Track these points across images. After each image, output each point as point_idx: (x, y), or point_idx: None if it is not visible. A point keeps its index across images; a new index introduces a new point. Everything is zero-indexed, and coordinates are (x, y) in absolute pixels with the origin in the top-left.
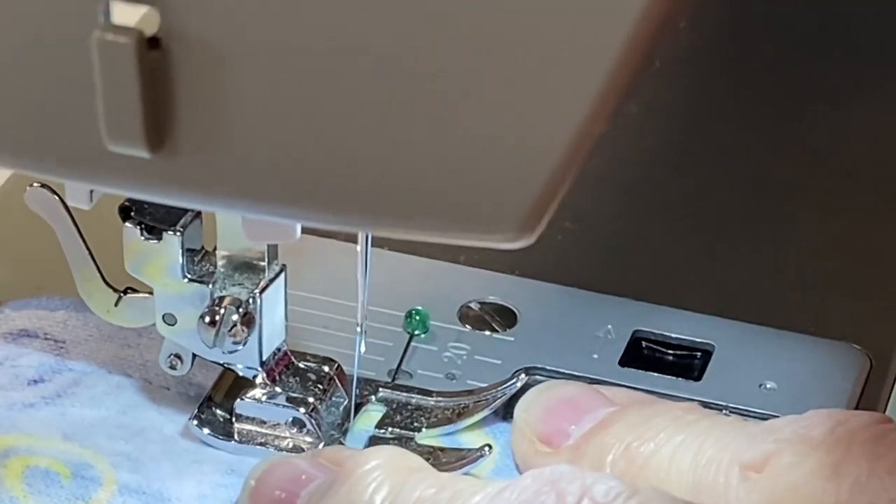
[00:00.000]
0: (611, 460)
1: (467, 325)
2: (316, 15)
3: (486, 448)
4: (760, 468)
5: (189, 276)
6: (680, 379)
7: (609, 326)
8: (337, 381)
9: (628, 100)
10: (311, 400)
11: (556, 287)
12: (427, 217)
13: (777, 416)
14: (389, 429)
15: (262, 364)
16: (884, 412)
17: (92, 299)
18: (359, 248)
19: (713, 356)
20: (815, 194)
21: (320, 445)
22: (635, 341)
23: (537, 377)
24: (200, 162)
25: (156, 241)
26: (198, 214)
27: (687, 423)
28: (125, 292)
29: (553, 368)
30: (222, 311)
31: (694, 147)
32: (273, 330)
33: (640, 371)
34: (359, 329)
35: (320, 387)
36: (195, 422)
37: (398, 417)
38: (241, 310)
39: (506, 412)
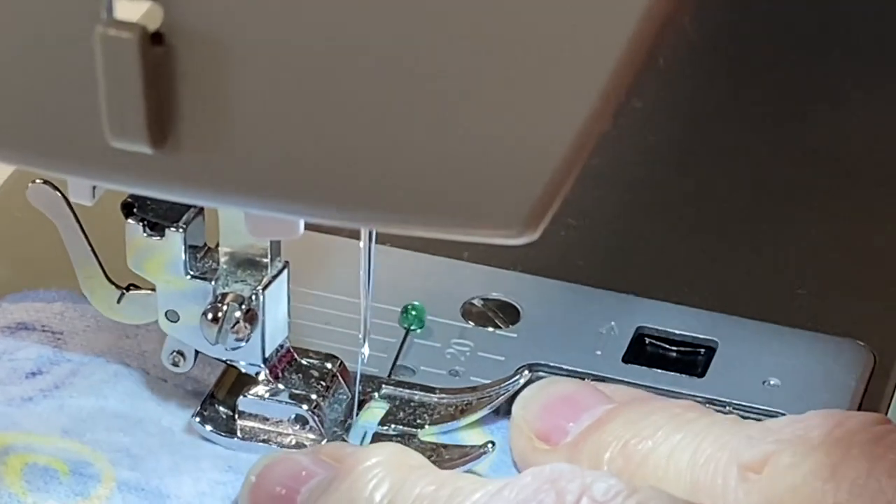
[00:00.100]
0: (608, 458)
1: (470, 322)
2: (319, 12)
3: (490, 445)
4: (759, 469)
5: (192, 272)
6: (683, 375)
7: (612, 323)
8: (340, 377)
9: (632, 97)
10: (313, 397)
11: (560, 283)
12: (430, 213)
13: (780, 413)
14: (392, 425)
15: (265, 361)
16: (887, 409)
17: (94, 296)
18: (362, 244)
19: (716, 353)
20: (818, 191)
21: (323, 442)
22: (639, 338)
23: (540, 374)
24: (203, 158)
25: (158, 238)
26: (200, 211)
27: (685, 421)
28: (128, 289)
29: (556, 365)
30: (225, 307)
31: (697, 145)
32: (276, 327)
33: (643, 368)
34: (362, 326)
35: (323, 384)
36: (198, 419)
37: (401, 414)
38: (243, 306)
39: (503, 409)
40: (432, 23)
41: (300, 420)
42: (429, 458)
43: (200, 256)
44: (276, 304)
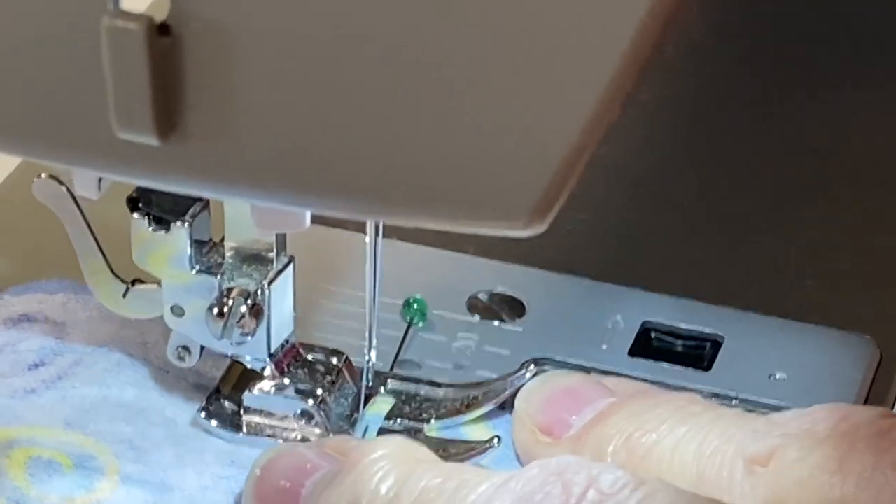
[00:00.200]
0: (612, 451)
1: (476, 316)
2: (326, 2)
3: (496, 440)
4: (765, 462)
5: (197, 267)
6: (689, 369)
7: (618, 317)
8: (345, 372)
9: (639, 90)
10: (319, 392)
11: (565, 277)
12: (437, 204)
13: (786, 407)
14: (398, 420)
15: (271, 356)
16: (893, 403)
17: (100, 291)
18: (368, 238)
19: (722, 346)
20: (826, 185)
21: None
22: (644, 332)
23: (546, 368)
24: (210, 149)
25: (164, 233)
26: (206, 205)
27: (690, 414)
28: (133, 283)
29: (562, 359)
30: (230, 302)
31: (704, 139)
32: (281, 321)
33: (649, 361)
34: (368, 320)
35: (329, 378)
36: (203, 414)
37: (407, 409)
38: (249, 301)
39: (507, 404)
40: (439, 13)
41: (306, 415)
42: (434, 452)
43: (206, 251)
44: (281, 298)
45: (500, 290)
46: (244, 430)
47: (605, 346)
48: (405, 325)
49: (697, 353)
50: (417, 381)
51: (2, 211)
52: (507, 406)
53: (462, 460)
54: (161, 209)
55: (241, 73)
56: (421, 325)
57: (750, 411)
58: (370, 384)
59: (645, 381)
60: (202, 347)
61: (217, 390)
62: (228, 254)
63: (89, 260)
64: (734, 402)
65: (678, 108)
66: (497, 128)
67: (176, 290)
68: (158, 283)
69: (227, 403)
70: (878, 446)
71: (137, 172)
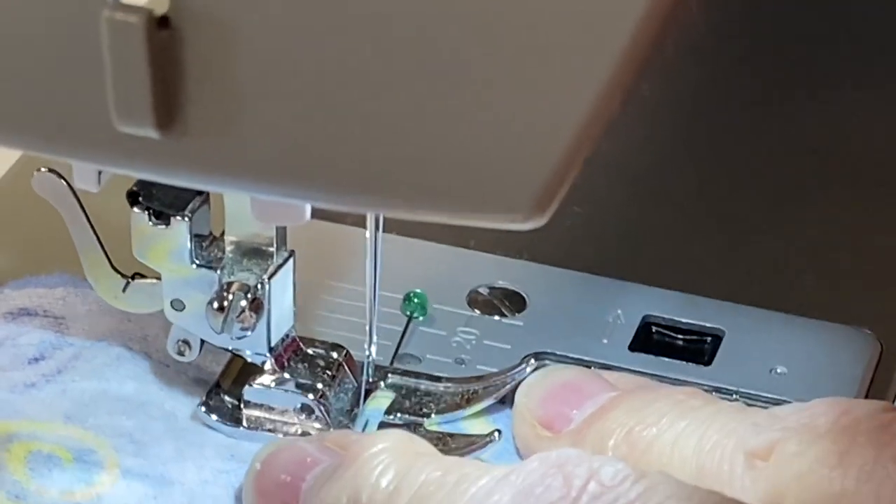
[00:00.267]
0: (612, 445)
1: (476, 310)
2: None
3: (496, 433)
4: (765, 456)
5: (197, 261)
6: (690, 364)
7: (619, 311)
8: (346, 367)
9: (641, 83)
10: (319, 386)
11: (566, 272)
12: (438, 197)
13: (787, 401)
14: (398, 414)
15: (271, 350)
16: (894, 397)
17: (100, 285)
18: (368, 233)
19: (723, 341)
20: (826, 180)
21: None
22: (645, 326)
23: (546, 362)
24: (210, 142)
25: (164, 227)
26: (206, 199)
27: (690, 408)
28: (133, 278)
29: (562, 353)
30: (230, 296)
31: (705, 134)
32: (281, 316)
33: (649, 356)
34: (368, 315)
35: (329, 373)
36: (203, 408)
37: (407, 403)
38: (249, 295)
39: (507, 398)
40: (440, 6)
41: (306, 409)
42: (435, 447)
43: (206, 245)
44: (281, 293)
45: (500, 284)
46: (244, 424)
47: (605, 341)
48: (405, 320)
49: (698, 348)
50: (417, 375)
51: (2, 205)
52: (507, 400)
53: (462, 454)
54: (161, 203)
55: (241, 66)
56: (421, 319)
57: (750, 405)
58: (371, 379)
59: (645, 375)
60: (202, 342)
61: (217, 385)
62: (229, 248)
63: (89, 254)
64: (734, 396)
65: (679, 105)
66: (498, 121)
67: (176, 284)
68: (158, 277)
69: (226, 398)
70: (879, 440)
71: (137, 166)
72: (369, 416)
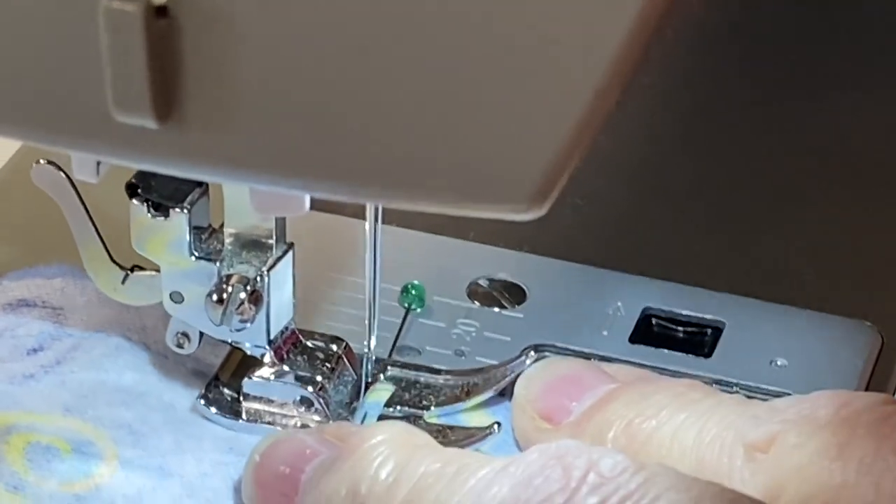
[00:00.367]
0: (612, 437)
1: (476, 302)
2: None
3: (496, 426)
4: (765, 448)
5: (196, 253)
6: (690, 356)
7: (619, 303)
8: (345, 359)
9: (641, 76)
10: (319, 378)
11: (566, 264)
12: (437, 188)
13: (787, 393)
14: (398, 407)
15: (270, 342)
16: (894, 389)
17: (99, 277)
18: (367, 225)
19: (723, 333)
20: (826, 173)
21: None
22: (645, 318)
23: (546, 354)
24: (208, 132)
25: (163, 219)
26: (205, 191)
27: (690, 400)
28: (132, 270)
29: (562, 345)
30: (230, 289)
31: (704, 126)
32: (281, 308)
33: (650, 348)
34: (367, 308)
35: (328, 365)
36: (202, 401)
37: (407, 396)
38: (248, 288)
39: (506, 391)
40: None
41: (305, 402)
42: (434, 439)
43: (205, 237)
44: (281, 285)
45: (500, 276)
46: (243, 416)
47: (605, 333)
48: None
49: (698, 340)
50: (417, 367)
51: (0, 196)
52: (506, 393)
53: (462, 446)
54: (160, 195)
55: (240, 56)
56: (419, 310)
57: (750, 398)
58: (371, 373)
59: (645, 367)
60: (201, 334)
61: (216, 377)
62: (228, 240)
63: (88, 246)
64: (734, 388)
65: (679, 98)
66: (497, 111)
67: (175, 276)
68: (157, 269)
69: (226, 391)
70: (879, 432)
71: (136, 156)
72: (368, 408)
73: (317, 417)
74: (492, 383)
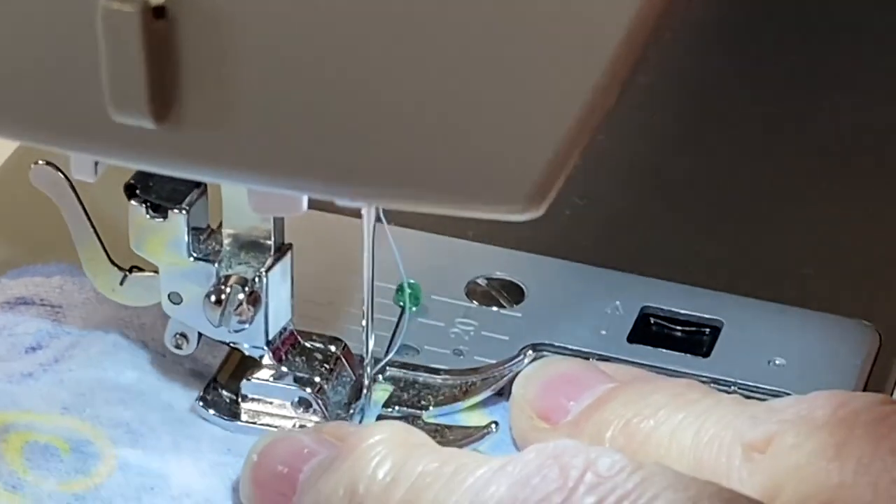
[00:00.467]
0: (610, 436)
1: (474, 301)
2: None
3: (493, 425)
4: (763, 448)
5: (195, 254)
6: (688, 355)
7: (617, 302)
8: (343, 360)
9: (640, 75)
10: (317, 380)
11: (564, 263)
12: (435, 188)
13: (786, 393)
14: (396, 407)
15: (269, 343)
16: (892, 389)
17: (97, 278)
18: (364, 225)
19: (722, 332)
20: (825, 171)
21: None
22: (643, 317)
23: (544, 353)
24: (206, 133)
25: (161, 220)
26: (203, 192)
27: (688, 400)
28: (130, 271)
29: (561, 345)
30: (228, 289)
31: (703, 124)
32: (279, 309)
33: (648, 347)
34: (365, 309)
35: (327, 366)
36: (201, 403)
37: (405, 396)
38: (246, 288)
39: (504, 390)
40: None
41: (304, 403)
42: (432, 438)
43: (203, 238)
44: (279, 286)
45: (498, 275)
46: (242, 418)
47: (604, 332)
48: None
49: (696, 339)
50: (415, 367)
51: None
52: (504, 392)
53: (460, 446)
54: (158, 196)
55: (238, 56)
56: (414, 309)
57: (749, 397)
58: (370, 374)
59: (644, 366)
60: (200, 335)
61: (214, 379)
62: (226, 241)
63: (86, 247)
64: (732, 388)
65: (678, 96)
66: (495, 111)
67: (173, 277)
68: (156, 270)
69: (224, 392)
70: (877, 432)
71: (133, 156)
72: (367, 408)
73: (315, 418)
74: (490, 383)
